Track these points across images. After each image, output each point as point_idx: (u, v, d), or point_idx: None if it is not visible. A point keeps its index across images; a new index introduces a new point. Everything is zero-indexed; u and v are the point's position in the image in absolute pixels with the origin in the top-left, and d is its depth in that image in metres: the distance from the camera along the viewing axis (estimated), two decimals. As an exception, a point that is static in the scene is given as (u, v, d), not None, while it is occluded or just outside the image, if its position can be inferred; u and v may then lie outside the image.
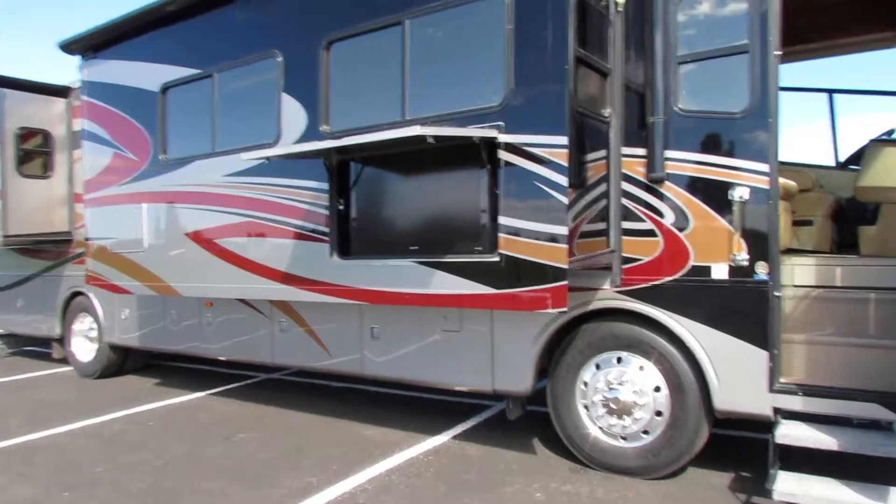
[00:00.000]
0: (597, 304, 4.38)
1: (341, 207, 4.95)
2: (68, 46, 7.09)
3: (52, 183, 8.71)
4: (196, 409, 6.52)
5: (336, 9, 4.96)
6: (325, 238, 4.99)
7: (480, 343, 4.79)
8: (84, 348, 8.60)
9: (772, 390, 3.81)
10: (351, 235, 4.94)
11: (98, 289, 7.39)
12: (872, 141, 4.83)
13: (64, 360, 8.91)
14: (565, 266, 3.73)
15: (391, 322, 5.25)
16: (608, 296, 4.34)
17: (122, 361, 8.44)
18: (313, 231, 5.08)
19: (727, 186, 3.94)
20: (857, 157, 5.22)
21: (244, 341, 6.40)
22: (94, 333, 8.38)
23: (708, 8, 4.10)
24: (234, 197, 5.67)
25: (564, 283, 3.74)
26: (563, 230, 3.74)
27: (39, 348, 10.17)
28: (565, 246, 3.73)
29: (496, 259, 4.04)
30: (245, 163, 5.41)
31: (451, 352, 4.93)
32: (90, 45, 6.97)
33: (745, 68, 3.92)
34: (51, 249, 8.90)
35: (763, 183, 3.86)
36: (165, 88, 6.31)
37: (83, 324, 8.62)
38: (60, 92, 8.74)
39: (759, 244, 3.86)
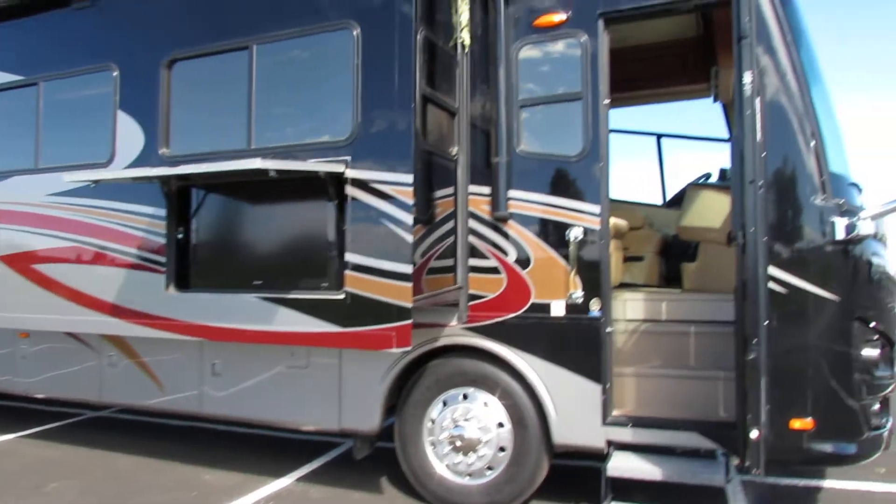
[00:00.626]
0: (444, 341, 4.41)
1: (180, 236, 4.66)
2: None
3: None
4: (2, 455, 5.78)
5: (181, 26, 4.69)
6: (162, 269, 4.66)
7: (328, 380, 4.65)
8: None
9: (605, 423, 4.01)
10: (190, 267, 4.65)
11: None
12: (691, 184, 5.32)
13: None
14: (409, 305, 3.73)
15: (234, 357, 4.96)
16: (455, 332, 4.38)
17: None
18: (148, 261, 4.74)
19: (564, 226, 4.14)
20: (680, 198, 5.71)
21: (67, 377, 5.75)
22: None
23: (546, 56, 4.32)
24: (58, 219, 5.16)
25: (409, 322, 3.74)
26: (407, 268, 3.74)
27: None
28: (409, 284, 3.73)
29: (342, 297, 3.96)
30: (73, 182, 4.95)
31: (298, 389, 4.74)
32: None
33: (578, 114, 4.16)
34: None
35: (595, 224, 4.09)
36: (-19, 96, 5.64)
37: None
38: None
39: (593, 282, 4.08)
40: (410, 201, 3.74)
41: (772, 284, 3.60)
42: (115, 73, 4.87)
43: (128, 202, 4.83)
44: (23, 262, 5.35)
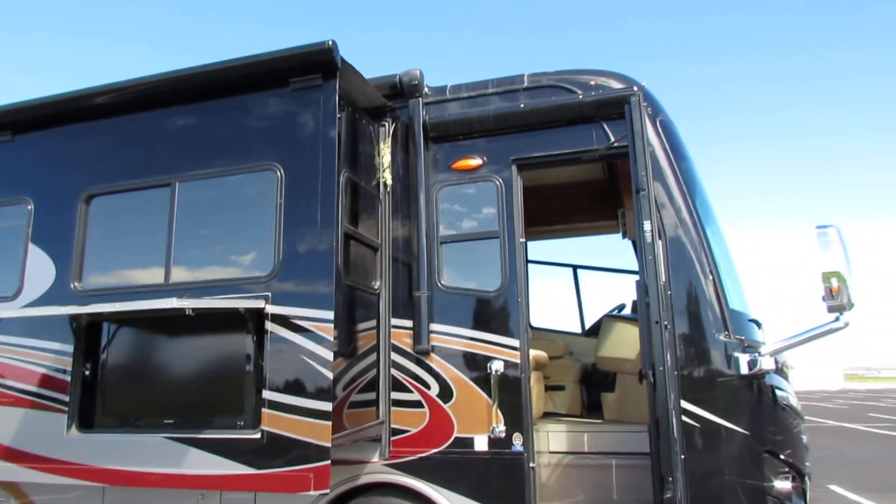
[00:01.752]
0: (366, 479, 4.27)
1: (87, 373, 4.42)
2: None
3: None
4: None
5: (99, 162, 4.71)
6: (64, 408, 4.37)
7: (241, 524, 4.37)
8: None
9: (530, 565, 3.89)
10: (96, 405, 4.38)
11: None
12: (606, 315, 5.55)
13: None
14: (328, 444, 3.62)
15: (137, 502, 4.60)
16: (378, 469, 4.26)
17: None
18: (49, 399, 4.44)
19: (485, 360, 4.21)
20: (598, 328, 5.93)
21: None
22: None
23: (464, 196, 4.57)
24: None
25: (327, 462, 3.61)
26: (326, 406, 3.67)
27: None
28: (329, 423, 3.64)
29: (258, 436, 3.81)
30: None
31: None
32: None
33: (496, 251, 4.36)
34: None
35: (515, 357, 4.18)
36: None
37: None
38: None
39: (515, 415, 4.10)
40: (331, 337, 3.73)
41: (685, 418, 3.72)
42: (29, 207, 4.79)
43: (31, 337, 4.58)
44: None
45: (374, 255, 4.50)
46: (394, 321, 4.45)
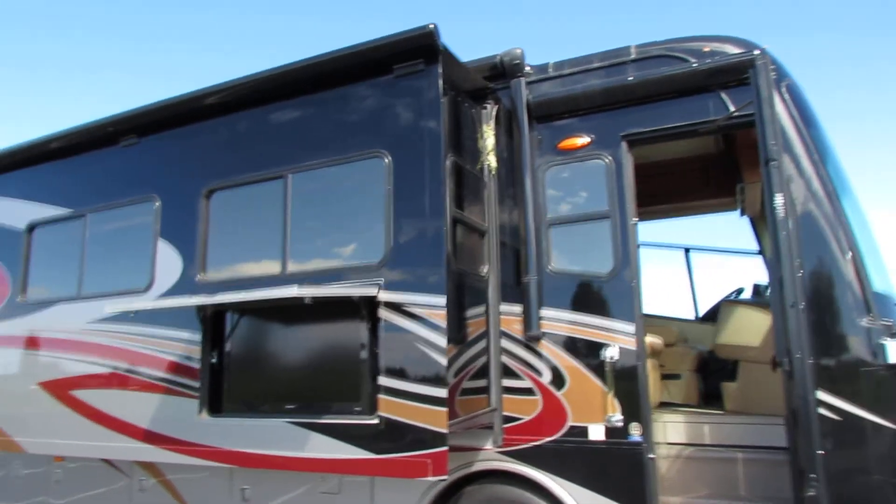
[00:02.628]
0: (479, 466, 4.25)
1: (214, 361, 4.67)
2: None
3: None
4: None
5: (218, 158, 4.94)
6: (195, 394, 4.64)
7: (360, 507, 4.48)
8: None
9: (652, 558, 3.74)
10: (223, 391, 4.63)
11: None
12: (725, 300, 5.22)
13: None
14: (445, 431, 3.62)
15: (264, 482, 4.85)
16: (491, 457, 4.23)
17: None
18: (182, 386, 4.73)
19: (598, 346, 4.07)
20: (714, 314, 5.61)
21: (98, 501, 5.69)
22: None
23: (572, 176, 4.42)
24: (97, 345, 5.24)
25: (444, 448, 3.62)
26: (442, 392, 3.67)
27: None
28: (445, 409, 3.64)
29: (375, 421, 3.88)
30: (111, 309, 5.08)
31: (330, 517, 4.57)
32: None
33: (607, 233, 4.19)
34: None
35: (630, 343, 4.01)
36: (32, 227, 5.95)
37: None
38: None
39: (632, 405, 3.94)
40: (443, 323, 3.73)
41: (823, 410, 3.43)
42: (157, 204, 5.10)
43: (163, 327, 4.90)
44: (61, 388, 5.40)
45: (481, 240, 4.45)
46: (503, 307, 4.39)
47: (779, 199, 3.51)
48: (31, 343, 5.70)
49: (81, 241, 5.56)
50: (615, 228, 4.17)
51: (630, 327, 4.02)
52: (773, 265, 3.57)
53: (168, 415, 4.76)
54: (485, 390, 4.28)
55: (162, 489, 5.35)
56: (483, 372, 4.27)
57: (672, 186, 6.05)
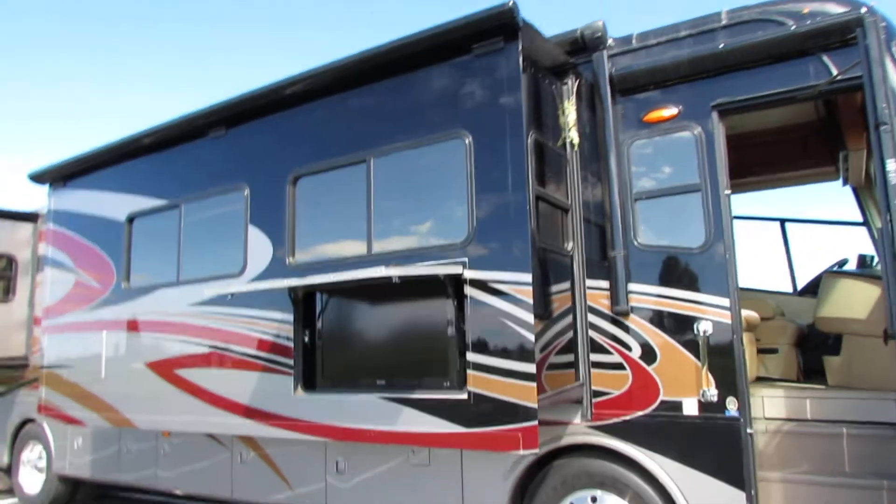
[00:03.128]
0: (568, 440, 4.26)
1: (306, 339, 4.86)
2: (37, 177, 7.17)
3: (13, 307, 8.54)
4: None
5: (302, 145, 5.10)
6: (290, 371, 4.85)
7: (450, 479, 4.60)
8: (31, 479, 8.08)
9: (752, 535, 3.65)
10: (316, 368, 4.81)
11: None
12: (827, 272, 4.98)
13: (10, 492, 8.27)
14: (535, 405, 3.65)
15: (357, 455, 5.04)
16: (580, 431, 4.23)
17: (72, 494, 7.92)
18: (278, 363, 4.95)
19: (691, 320, 3.97)
20: (814, 286, 5.35)
21: (202, 474, 6.08)
22: (43, 463, 7.90)
23: (659, 149, 4.30)
24: (197, 327, 5.55)
25: (535, 422, 3.64)
26: (530, 368, 3.69)
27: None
28: (534, 384, 3.66)
29: (464, 396, 3.94)
30: (211, 292, 5.36)
31: (421, 488, 4.72)
32: (59, 176, 7.04)
33: (698, 205, 4.07)
34: (5, 374, 8.54)
35: (725, 317, 3.90)
36: (132, 218, 6.33)
37: (32, 453, 8.16)
38: (28, 217, 8.73)
39: (728, 379, 3.84)
40: (530, 300, 3.74)
41: None
42: (245, 192, 5.32)
43: (258, 308, 5.13)
44: (166, 368, 5.75)
45: (565, 217, 4.42)
46: (589, 283, 4.35)
47: (891, 165, 3.30)
48: (137, 326, 6.08)
49: (178, 229, 5.87)
50: (706, 201, 4.05)
51: (724, 301, 3.91)
52: (886, 235, 3.36)
53: (265, 391, 4.99)
54: (572, 365, 4.27)
55: (261, 462, 5.63)
56: (570, 347, 4.26)
57: (767, 157, 5.79)
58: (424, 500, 4.68)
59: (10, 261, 8.60)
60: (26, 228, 8.72)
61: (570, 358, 4.26)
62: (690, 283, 4.04)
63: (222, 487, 5.91)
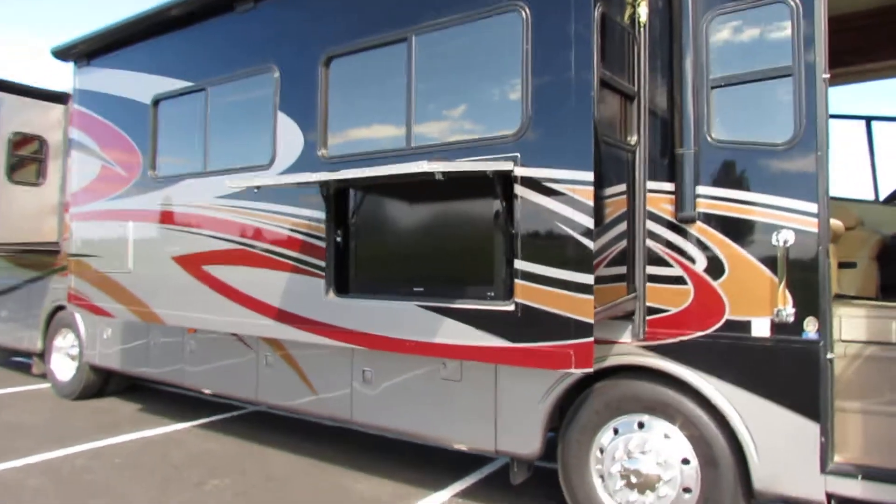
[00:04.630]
0: (616, 360, 3.91)
1: (339, 240, 4.52)
2: (61, 53, 6.73)
3: (44, 191, 8.39)
4: (172, 444, 6.05)
5: (336, 21, 4.54)
6: (321, 273, 4.55)
7: (483, 396, 4.32)
8: (64, 366, 8.16)
9: (824, 471, 3.33)
10: (349, 271, 4.50)
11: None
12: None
13: (44, 377, 8.47)
14: (591, 320, 3.28)
15: (384, 366, 4.78)
16: (629, 350, 3.87)
17: (104, 383, 8.00)
18: (308, 265, 4.65)
19: (770, 228, 3.49)
20: (900, 193, 4.77)
21: (227, 374, 5.98)
22: (76, 351, 7.96)
23: (743, 25, 3.66)
24: (225, 221, 5.25)
25: (590, 339, 3.29)
26: (588, 279, 3.30)
27: (26, 359, 9.69)
28: (591, 297, 3.28)
29: (511, 308, 3.59)
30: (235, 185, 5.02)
31: (450, 404, 4.46)
32: (84, 52, 6.60)
33: (788, 93, 3.49)
34: (38, 259, 8.53)
35: (810, 225, 3.40)
36: (157, 101, 5.92)
37: (65, 340, 8.21)
38: (58, 98, 8.41)
39: (808, 297, 3.40)
40: (591, 202, 3.29)
41: None
42: (275, 75, 4.83)
43: (288, 205, 4.78)
44: (193, 264, 5.52)
45: (629, 105, 3.87)
46: (651, 184, 3.86)
47: None
48: (164, 218, 5.81)
49: (204, 115, 5.46)
50: (798, 87, 3.45)
51: (812, 206, 3.40)
52: None
53: (295, 293, 4.73)
54: (624, 278, 3.86)
55: (286, 365, 5.46)
56: (623, 258, 3.84)
57: (861, 43, 5.03)
58: (453, 416, 4.44)
59: (42, 143, 8.36)
60: (57, 109, 8.40)
61: (622, 270, 3.84)
62: (773, 185, 3.52)
63: (247, 388, 5.79)
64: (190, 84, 5.57)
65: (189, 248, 5.55)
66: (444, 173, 3.37)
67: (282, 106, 4.80)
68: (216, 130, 5.40)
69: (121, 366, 7.23)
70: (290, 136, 4.73)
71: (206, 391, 6.27)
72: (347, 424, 5.42)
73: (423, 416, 4.59)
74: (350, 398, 5.03)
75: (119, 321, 7.12)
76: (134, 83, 6.12)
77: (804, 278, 3.40)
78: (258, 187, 4.36)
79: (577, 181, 3.34)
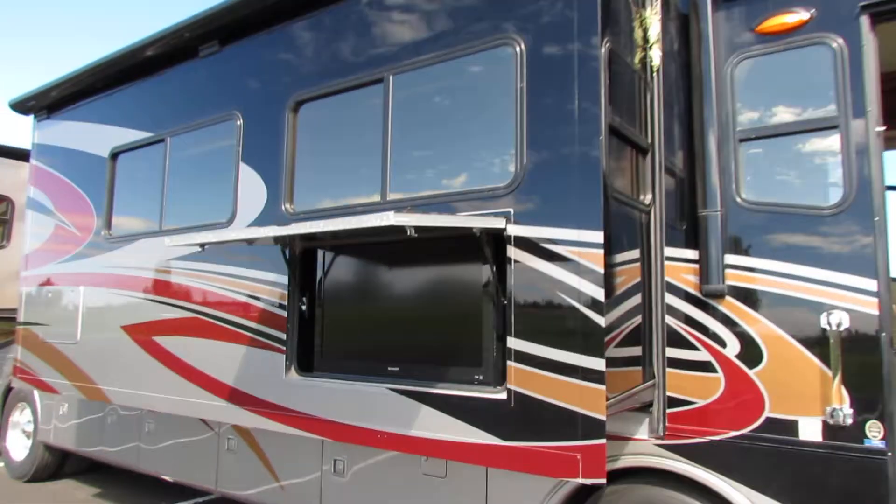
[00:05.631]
0: (631, 461, 3.20)
1: (303, 308, 3.89)
2: (18, 105, 6.30)
3: (9, 253, 7.79)
4: None
5: (307, 62, 4.05)
6: (282, 347, 3.89)
7: (471, 496, 3.57)
8: (19, 444, 7.31)
9: None
10: (314, 346, 3.85)
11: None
12: None
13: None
14: (603, 417, 2.61)
15: (359, 456, 4.05)
16: (646, 450, 3.16)
17: (60, 464, 7.13)
18: (268, 337, 4.00)
19: (817, 308, 2.86)
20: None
21: (185, 458, 5.21)
22: (31, 428, 7.16)
23: (777, 71, 3.15)
24: (177, 286, 4.63)
25: (602, 441, 2.61)
26: (598, 363, 2.65)
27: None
28: (602, 387, 2.62)
29: (502, 396, 2.92)
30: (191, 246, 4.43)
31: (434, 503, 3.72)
32: (42, 105, 6.18)
33: (834, 149, 2.94)
34: (4, 327, 7.83)
35: (869, 306, 2.77)
36: (115, 154, 5.41)
37: (22, 415, 7.39)
38: (27, 156, 7.92)
39: (868, 393, 2.74)
40: (600, 268, 2.68)
41: None
42: (238, 122, 4.31)
43: (247, 267, 4.17)
44: (142, 333, 4.88)
45: (642, 160, 3.32)
46: (669, 251, 3.26)
47: None
48: (116, 282, 5.22)
49: (163, 169, 4.92)
50: (847, 141, 2.90)
51: (869, 283, 2.78)
52: None
53: (252, 371, 4.06)
54: (638, 362, 3.20)
55: (250, 451, 4.71)
56: (637, 337, 3.19)
57: None
58: (439, 519, 3.69)
59: (8, 203, 7.82)
60: (26, 168, 7.91)
61: (636, 352, 3.19)
62: (818, 256, 2.92)
63: (206, 476, 5.02)
64: (149, 135, 5.06)
65: (139, 317, 4.91)
66: (419, 230, 2.75)
67: (245, 156, 4.25)
68: (174, 186, 4.85)
69: (75, 445, 6.42)
70: (252, 190, 4.16)
71: (167, 479, 5.46)
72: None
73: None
74: (320, 493, 4.27)
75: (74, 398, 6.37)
76: (93, 136, 5.64)
77: (863, 371, 2.75)
78: (203, 246, 3.72)
79: (584, 243, 2.73)
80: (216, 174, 4.50)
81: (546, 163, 2.92)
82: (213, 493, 5.41)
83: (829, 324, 2.81)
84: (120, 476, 7.04)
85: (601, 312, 2.66)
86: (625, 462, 3.20)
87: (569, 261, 2.77)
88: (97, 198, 5.52)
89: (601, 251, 2.68)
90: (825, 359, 2.81)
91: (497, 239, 2.98)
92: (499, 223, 2.92)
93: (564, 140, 2.87)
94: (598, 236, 2.69)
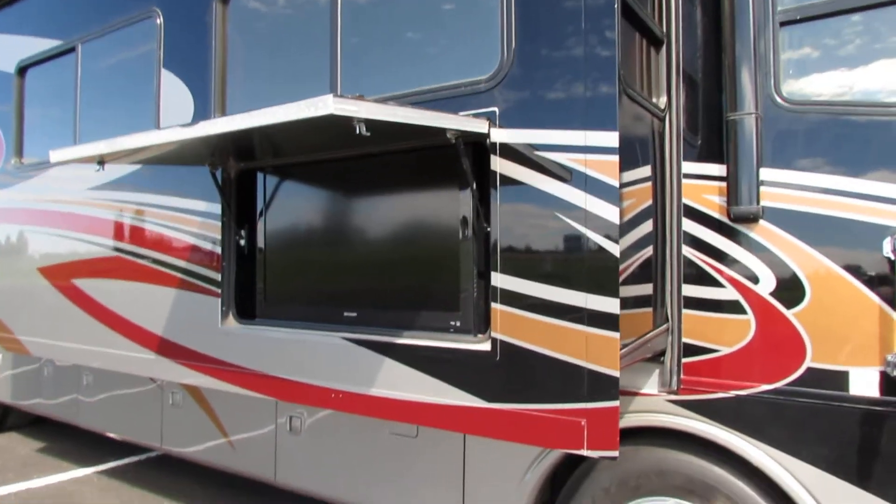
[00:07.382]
0: (637, 420, 2.66)
1: (242, 243, 3.23)
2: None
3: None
4: (64, 498, 4.61)
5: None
6: (217, 290, 3.24)
7: (446, 461, 3.04)
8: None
9: None
10: (256, 288, 3.20)
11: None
12: None
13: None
14: (616, 373, 2.02)
15: (318, 411, 3.47)
16: (655, 406, 2.62)
17: (2, 417, 6.53)
18: (200, 277, 3.34)
19: (877, 232, 2.28)
20: None
21: (127, 415, 4.61)
22: (-32, 380, 6.48)
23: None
24: (97, 220, 3.93)
25: (614, 403, 2.03)
26: (611, 304, 2.05)
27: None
28: (616, 335, 2.02)
29: (486, 347, 2.32)
30: (115, 172, 3.71)
31: (404, 467, 3.17)
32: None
33: None
34: None
35: (944, 230, 2.21)
36: (23, 68, 4.58)
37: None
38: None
39: (941, 337, 2.19)
40: (615, 181, 2.04)
41: None
42: (158, 21, 3.53)
43: (178, 195, 3.48)
44: (61, 276, 4.20)
45: (656, 54, 2.66)
46: (688, 166, 2.64)
47: None
48: (30, 218, 4.50)
49: (74, 83, 4.12)
50: (922, 21, 2.28)
51: (947, 200, 2.21)
52: None
53: (183, 318, 3.43)
54: (649, 302, 2.62)
55: (196, 406, 4.13)
56: (647, 272, 2.59)
57: None
58: (409, 487, 3.15)
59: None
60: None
61: (645, 289, 2.60)
62: (882, 167, 2.33)
63: (150, 433, 4.45)
64: (58, 43, 4.23)
65: (56, 258, 4.23)
66: (375, 132, 2.05)
67: (166, 62, 3.49)
68: (88, 101, 4.08)
69: (11, 398, 5.78)
70: (176, 101, 3.42)
71: (110, 435, 4.87)
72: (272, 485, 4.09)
73: (369, 482, 3.28)
74: (274, 454, 3.72)
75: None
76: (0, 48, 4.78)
77: None
78: (101, 163, 2.94)
79: (593, 148, 2.09)
80: (134, 85, 3.74)
81: (541, 46, 2.24)
82: (157, 450, 4.87)
83: (893, 251, 2.23)
84: (65, 430, 6.44)
85: (615, 239, 2.04)
86: (628, 421, 2.66)
87: (572, 172, 2.13)
88: (5, 121, 4.71)
89: (615, 158, 2.04)
90: (886, 296, 2.25)
91: (478, 149, 2.33)
92: (480, 126, 2.25)
93: (567, 20, 2.18)
94: (611, 138, 2.05)
